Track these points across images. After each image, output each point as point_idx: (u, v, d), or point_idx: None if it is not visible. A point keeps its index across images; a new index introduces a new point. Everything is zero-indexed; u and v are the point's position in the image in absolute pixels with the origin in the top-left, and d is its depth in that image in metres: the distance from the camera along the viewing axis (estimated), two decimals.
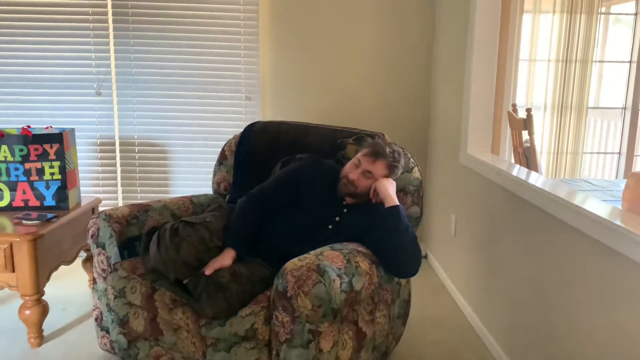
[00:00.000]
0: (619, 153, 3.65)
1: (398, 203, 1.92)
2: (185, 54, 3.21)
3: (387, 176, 2.00)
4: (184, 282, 1.76)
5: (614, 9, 4.86)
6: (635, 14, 3.48)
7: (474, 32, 2.54)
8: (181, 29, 3.18)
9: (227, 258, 1.80)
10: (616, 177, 3.66)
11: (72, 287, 2.85)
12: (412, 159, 2.22)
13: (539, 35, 3.44)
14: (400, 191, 2.12)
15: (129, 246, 2.05)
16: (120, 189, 3.32)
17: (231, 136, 2.62)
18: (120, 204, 3.33)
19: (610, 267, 1.45)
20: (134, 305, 1.89)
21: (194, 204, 2.35)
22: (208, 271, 1.73)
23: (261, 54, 3.25)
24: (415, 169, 2.21)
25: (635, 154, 3.62)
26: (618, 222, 1.41)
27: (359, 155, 2.04)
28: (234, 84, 3.26)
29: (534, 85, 3.45)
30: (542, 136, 3.41)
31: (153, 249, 1.80)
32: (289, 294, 1.57)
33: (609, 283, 1.46)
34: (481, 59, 2.57)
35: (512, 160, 3.01)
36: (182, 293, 1.77)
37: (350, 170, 2.00)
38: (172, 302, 1.79)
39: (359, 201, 2.03)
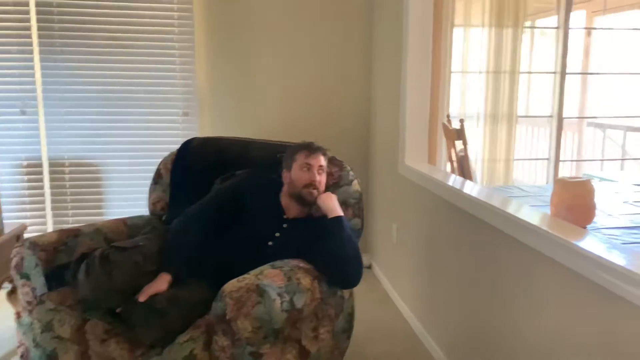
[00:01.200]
0: (548, 159, 3.83)
1: (341, 214, 1.92)
2: (118, 69, 3.09)
3: (326, 165, 2.04)
4: (117, 310, 1.67)
5: (539, 22, 5.14)
6: (557, 28, 3.68)
7: (408, 46, 2.61)
8: (114, 44, 3.07)
9: (162, 282, 1.73)
10: (547, 183, 3.84)
11: None
12: (351, 172, 2.23)
13: (470, 48, 3.58)
14: (341, 204, 2.12)
15: (57, 275, 1.92)
16: (50, 213, 3.14)
17: (167, 154, 2.54)
18: (50, 229, 3.15)
19: (543, 271, 1.51)
20: (63, 338, 1.77)
21: (129, 226, 2.25)
22: (142, 297, 1.65)
23: (198, 68, 3.19)
24: (355, 181, 2.22)
25: (561, 159, 3.81)
26: (546, 228, 1.47)
27: (299, 161, 2.00)
28: (170, 99, 3.17)
29: (466, 96, 3.57)
30: (476, 145, 3.53)
31: (82, 277, 1.71)
32: (228, 317, 1.52)
33: (544, 287, 1.51)
34: (415, 72, 2.63)
35: (448, 170, 3.09)
36: (115, 322, 1.68)
37: (308, 176, 1.97)
38: (105, 332, 1.69)
39: (302, 215, 2.01)
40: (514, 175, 3.65)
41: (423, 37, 2.62)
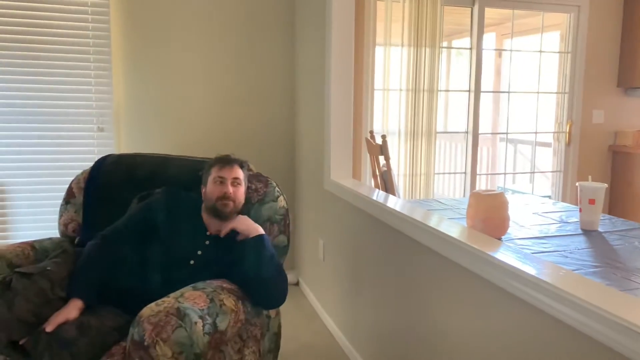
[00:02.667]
0: (465, 173, 4.02)
1: (262, 232, 1.89)
2: (27, 81, 2.89)
3: (245, 177, 2.01)
4: (21, 342, 1.53)
5: (455, 43, 5.43)
6: (471, 48, 3.90)
7: (331, 64, 2.64)
8: (22, 55, 2.86)
9: (72, 310, 1.61)
10: (463, 196, 4.01)
11: None
12: (277, 188, 2.21)
13: (391, 67, 3.69)
14: (266, 221, 2.09)
15: None
16: None
17: (80, 171, 2.39)
18: None
19: (458, 281, 1.55)
20: None
21: (36, 250, 2.08)
22: (49, 327, 1.53)
23: (114, 81, 3.05)
24: (281, 197, 2.20)
25: (477, 173, 4.01)
26: (463, 240, 1.52)
27: (214, 174, 1.97)
28: (85, 114, 3.01)
29: (388, 113, 3.68)
30: (398, 160, 3.64)
31: None
32: (146, 343, 1.44)
33: (458, 295, 1.56)
34: (339, 89, 2.67)
35: (372, 184, 3.15)
36: (18, 356, 1.54)
37: (220, 188, 1.93)
38: None
39: (222, 228, 1.96)
40: (434, 189, 3.79)
41: (345, 55, 2.67)
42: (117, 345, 1.59)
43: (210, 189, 1.96)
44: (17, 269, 1.66)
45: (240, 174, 1.99)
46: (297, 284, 3.43)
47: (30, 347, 1.51)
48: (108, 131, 3.05)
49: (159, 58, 3.13)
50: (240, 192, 1.98)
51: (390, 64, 3.68)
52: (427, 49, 3.67)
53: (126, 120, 3.12)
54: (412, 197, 3.67)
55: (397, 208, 1.99)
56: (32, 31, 2.88)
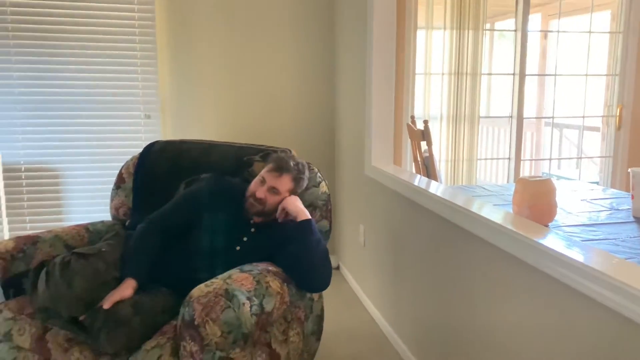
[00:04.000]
0: (509, 158, 3.94)
1: (310, 217, 1.92)
2: (78, 71, 3.00)
3: (293, 190, 1.99)
4: (80, 319, 1.62)
5: (498, 25, 5.28)
6: (515, 30, 3.79)
7: (372, 49, 2.63)
8: (72, 45, 2.97)
9: (127, 289, 1.68)
10: (507, 182, 3.94)
11: None
12: (319, 174, 2.23)
13: (433, 50, 3.63)
14: (308, 206, 2.12)
15: (15, 284, 1.85)
16: (5, 220, 3.02)
17: (129, 157, 2.48)
18: (7, 236, 3.03)
19: (507, 270, 1.54)
20: (23, 349, 1.71)
21: (90, 232, 2.19)
22: (106, 305, 1.61)
23: (160, 70, 3.13)
24: (323, 183, 2.22)
25: (522, 158, 3.92)
26: (509, 227, 1.50)
27: (263, 172, 2.00)
28: (132, 101, 3.10)
29: (430, 98, 3.63)
30: (440, 145, 3.59)
31: (42, 285, 1.65)
32: (196, 322, 1.49)
33: (509, 286, 1.54)
34: (380, 74, 2.66)
35: (413, 170, 3.14)
36: (78, 331, 1.63)
37: (256, 188, 1.96)
38: (67, 341, 1.64)
39: (268, 219, 1.99)
40: (476, 175, 3.73)
41: (387, 39, 2.65)
42: (168, 324, 1.66)
43: (253, 182, 2.00)
44: (75, 250, 1.75)
45: (285, 185, 1.96)
46: (337, 268, 3.46)
47: (89, 323, 1.59)
48: (154, 118, 3.13)
49: (203, 48, 3.19)
50: (274, 200, 1.96)
51: (432, 47, 3.63)
52: (470, 32, 3.59)
53: (171, 108, 3.20)
54: (454, 183, 3.63)
55: (439, 194, 1.98)
56: (83, 25, 2.97)
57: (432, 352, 2.08)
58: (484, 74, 3.67)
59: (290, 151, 2.32)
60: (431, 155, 2.85)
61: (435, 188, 2.11)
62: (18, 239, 1.95)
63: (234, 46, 3.22)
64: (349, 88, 3.10)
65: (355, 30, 2.93)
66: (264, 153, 2.30)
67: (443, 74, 3.61)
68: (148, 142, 2.53)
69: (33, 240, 1.97)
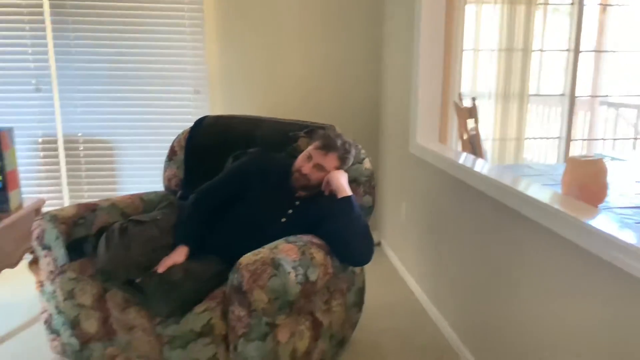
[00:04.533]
0: (559, 138, 3.82)
1: (351, 193, 1.95)
2: (130, 47, 3.11)
3: (338, 168, 2.02)
4: (136, 281, 1.72)
5: None
6: (572, 4, 3.63)
7: (420, 24, 2.59)
8: (124, 22, 3.08)
9: (179, 255, 1.78)
10: (557, 162, 3.83)
11: (18, 290, 2.74)
12: (362, 151, 2.25)
13: (482, 26, 3.54)
14: (352, 182, 2.15)
15: (76, 247, 1.98)
16: (66, 188, 3.20)
17: (180, 131, 2.57)
18: (67, 203, 3.21)
19: (552, 250, 1.53)
20: (85, 306, 1.84)
21: (144, 201, 2.30)
22: (160, 269, 1.71)
23: (208, 46, 3.19)
24: (367, 160, 2.24)
25: (572, 138, 3.80)
26: (557, 206, 1.49)
27: (310, 148, 2.04)
28: (182, 77, 3.19)
29: (478, 75, 3.56)
30: (488, 124, 3.53)
31: (102, 249, 1.76)
32: (244, 288, 1.57)
33: (552, 265, 1.54)
34: (427, 49, 2.63)
35: (459, 148, 3.10)
36: (134, 292, 1.74)
37: (302, 164, 2.01)
38: (124, 301, 1.75)
39: (311, 193, 2.04)
40: (524, 154, 3.65)
41: (435, 14, 2.61)
42: (218, 289, 1.74)
43: (299, 157, 2.05)
44: (132, 217, 1.85)
45: (331, 163, 1.99)
46: (379, 244, 3.50)
47: (144, 285, 1.69)
48: (203, 94, 3.22)
49: (250, 25, 3.22)
50: (319, 176, 2.00)
51: (482, 22, 3.54)
52: (522, 6, 3.47)
53: (220, 84, 3.27)
54: (501, 163, 3.57)
55: (485, 172, 1.97)
56: (136, 6, 3.06)
57: (472, 328, 2.10)
58: (535, 50, 3.56)
59: (334, 127, 2.35)
60: (478, 133, 2.81)
61: (481, 166, 2.09)
62: (79, 206, 2.08)
63: (281, 22, 3.25)
64: (395, 63, 3.07)
65: (403, 4, 2.89)
66: (309, 129, 2.33)
67: (492, 50, 3.52)
68: (197, 117, 2.62)
69: (92, 208, 2.10)
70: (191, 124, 2.56)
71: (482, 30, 3.52)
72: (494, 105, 3.55)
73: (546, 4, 5.02)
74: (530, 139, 4.63)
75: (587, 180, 1.79)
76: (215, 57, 3.23)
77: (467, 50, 3.54)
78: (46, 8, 3.00)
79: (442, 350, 2.24)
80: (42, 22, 3.01)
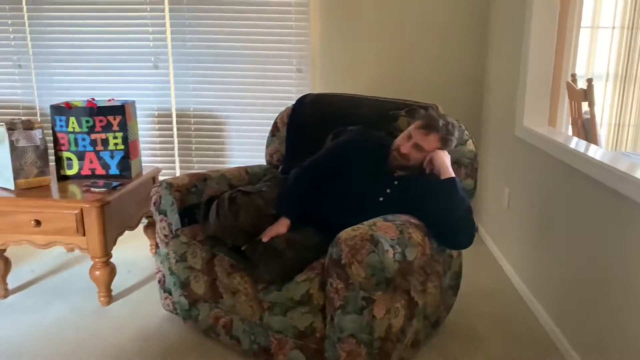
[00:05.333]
0: None
1: (454, 175, 1.92)
2: (237, 27, 3.25)
3: (440, 149, 1.99)
4: (242, 248, 1.84)
5: None
6: None
7: None
8: (233, 2, 3.21)
9: (282, 226, 1.86)
10: None
11: (135, 251, 3.02)
12: (466, 132, 2.19)
13: (603, 1, 3.26)
14: (454, 163, 2.10)
15: (189, 213, 2.15)
16: (177, 159, 3.45)
17: (283, 108, 2.66)
18: (178, 173, 3.47)
19: None
20: (195, 269, 2.00)
21: (249, 174, 2.43)
22: (265, 238, 1.80)
23: (312, 26, 3.25)
24: (470, 141, 2.19)
25: None
26: None
27: (411, 127, 2.02)
28: (285, 55, 3.28)
29: (595, 54, 3.30)
30: (603, 107, 3.27)
31: (212, 216, 1.89)
32: (343, 262, 1.61)
33: None
34: (540, 25, 2.48)
35: (571, 133, 2.92)
36: (240, 259, 1.86)
37: (402, 143, 1.99)
38: (230, 267, 1.88)
39: (410, 173, 2.03)
40: None
41: None
42: (317, 261, 1.81)
43: (400, 137, 2.03)
44: (240, 188, 1.97)
45: (432, 144, 1.95)
46: (476, 229, 3.40)
47: (250, 252, 1.80)
48: (305, 72, 3.29)
49: (352, 6, 3.23)
50: (418, 157, 1.97)
51: None
52: None
53: (321, 63, 3.33)
54: (616, 149, 3.31)
55: (599, 157, 1.84)
56: None
57: (576, 323, 2.00)
58: None
59: (436, 107, 2.30)
60: (593, 117, 2.63)
61: (594, 152, 1.96)
62: (191, 175, 2.25)
63: (381, 4, 3.21)
64: (503, 40, 2.93)
65: None
66: (410, 108, 2.31)
67: (614, 27, 3.24)
68: (299, 94, 2.69)
69: (203, 177, 2.25)
70: (293, 101, 2.64)
71: (603, 5, 3.25)
72: (612, 87, 3.28)
73: None
74: None
75: None
76: (317, 36, 3.28)
77: (585, 28, 3.29)
78: None
79: (539, 340, 2.17)
80: (162, 2, 3.23)
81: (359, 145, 2.13)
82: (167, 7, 3.24)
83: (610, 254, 1.75)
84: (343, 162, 2.09)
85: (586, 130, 2.68)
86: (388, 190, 2.01)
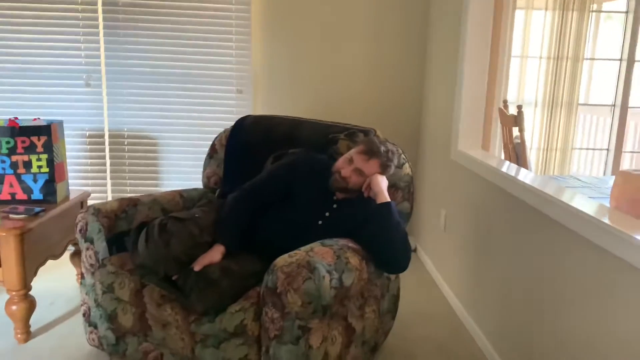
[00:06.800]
0: (607, 150, 3.68)
1: (389, 200, 1.93)
2: (176, 45, 3.17)
3: (379, 174, 2.00)
4: (174, 278, 1.75)
5: (606, 6, 4.87)
6: (627, 12, 3.49)
7: (467, 28, 2.54)
8: (172, 21, 3.14)
9: (216, 253, 1.79)
10: (604, 174, 3.69)
11: (60, 281, 2.83)
12: (403, 155, 2.22)
13: (531, 32, 3.45)
14: (391, 187, 2.12)
15: (117, 241, 2.03)
16: (109, 182, 3.29)
17: (222, 129, 2.60)
18: (110, 197, 3.30)
19: (599, 266, 1.47)
20: (123, 300, 1.88)
21: (184, 198, 2.34)
22: (197, 267, 1.72)
23: (253, 47, 3.22)
24: (407, 165, 2.21)
25: (623, 150, 3.65)
26: (606, 220, 1.42)
27: (352, 151, 2.02)
28: (226, 76, 3.23)
29: (525, 82, 3.46)
30: (532, 132, 3.43)
31: (142, 244, 1.79)
32: (279, 290, 1.56)
33: (598, 281, 1.47)
34: (474, 55, 2.57)
35: (502, 157, 3.03)
36: (171, 289, 1.76)
37: (343, 166, 1.99)
38: (160, 298, 1.78)
39: (350, 196, 2.02)
40: (570, 166, 3.53)
41: (483, 18, 2.55)
42: (253, 289, 1.74)
43: (340, 159, 2.03)
44: (172, 214, 1.88)
45: (372, 169, 1.96)
46: (415, 250, 3.45)
47: (181, 282, 1.72)
48: (246, 93, 3.25)
49: (294, 29, 3.24)
50: (358, 180, 1.98)
51: (531, 29, 3.44)
52: (575, 13, 3.36)
53: (262, 84, 3.30)
54: (545, 172, 3.47)
55: (529, 182, 1.90)
56: (184, 5, 3.12)
57: (510, 341, 2.04)
58: (586, 59, 3.44)
59: (374, 131, 2.32)
60: (523, 142, 2.74)
61: (525, 176, 2.03)
62: (122, 200, 2.13)
63: (326, 25, 3.25)
64: (440, 67, 3.02)
65: (449, 7, 2.84)
66: (350, 132, 2.32)
67: (541, 57, 3.42)
68: (239, 116, 2.64)
69: (134, 203, 2.14)
70: (233, 123, 2.59)
71: (531, 36, 3.43)
72: (541, 113, 3.45)
73: (599, 11, 4.84)
74: (577, 149, 4.47)
75: (639, 195, 1.71)
76: (259, 58, 3.26)
77: (515, 57, 3.45)
78: (100, 6, 3.09)
79: None
80: (96, 19, 3.10)
81: (300, 168, 2.11)
82: (100, 22, 3.11)
83: (544, 276, 1.80)
84: (284, 186, 2.06)
85: (517, 154, 2.79)
86: (327, 214, 2.00)
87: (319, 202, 2.02)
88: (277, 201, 2.02)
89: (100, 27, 3.12)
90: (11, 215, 2.22)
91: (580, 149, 4.75)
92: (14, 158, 2.39)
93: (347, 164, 1.99)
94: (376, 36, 3.28)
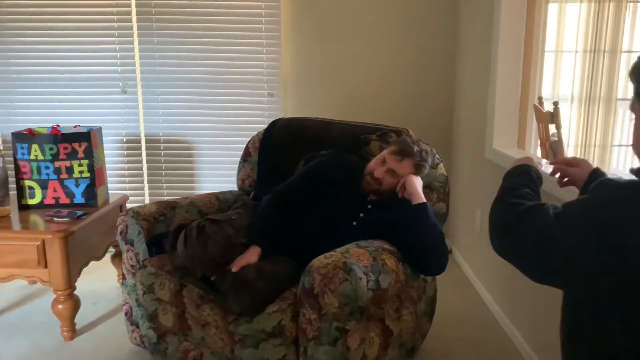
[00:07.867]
0: None
1: (425, 200, 1.91)
2: (208, 51, 3.23)
3: (413, 174, 1.98)
4: (211, 279, 1.78)
5: None
6: None
7: (500, 24, 2.50)
8: (204, 27, 3.20)
9: (252, 255, 1.81)
10: None
11: (102, 282, 2.91)
12: (437, 155, 2.20)
13: (566, 26, 3.36)
14: (425, 187, 2.10)
15: (156, 243, 2.08)
16: (146, 185, 3.37)
17: (254, 132, 2.63)
18: (147, 200, 3.38)
19: None
20: (163, 301, 1.92)
21: (220, 200, 2.37)
22: (234, 268, 1.75)
23: (283, 50, 3.25)
24: (441, 165, 2.19)
25: None
26: None
27: (385, 152, 2.01)
28: (257, 80, 3.27)
29: (560, 77, 3.37)
30: (569, 129, 3.34)
31: (180, 246, 1.83)
32: (315, 292, 1.57)
33: None
34: (507, 51, 2.53)
35: (539, 154, 2.96)
36: (209, 290, 1.79)
37: (375, 167, 1.99)
38: (199, 298, 1.81)
39: (383, 197, 2.02)
40: (609, 163, 3.42)
41: (516, 13, 2.50)
42: (289, 290, 1.76)
43: (372, 161, 2.02)
44: (209, 216, 1.91)
45: (405, 170, 1.95)
46: (450, 252, 3.40)
47: (219, 283, 1.74)
48: (277, 96, 3.28)
49: (323, 31, 3.25)
50: (391, 182, 1.97)
51: (566, 22, 3.35)
52: (611, 4, 3.26)
53: (293, 87, 3.32)
54: None
55: None
56: (216, 7, 3.18)
57: (547, 341, 1.99)
58: (624, 52, 3.33)
59: (407, 131, 2.31)
60: (560, 139, 2.67)
61: None
62: (160, 203, 2.18)
63: (356, 26, 3.25)
64: (472, 65, 2.98)
65: (481, 4, 2.80)
66: (381, 132, 2.31)
67: (577, 51, 3.33)
68: (271, 119, 2.67)
69: (172, 206, 2.19)
70: (265, 125, 2.61)
71: (565, 30, 3.34)
72: (577, 109, 3.36)
73: (637, 1, 4.69)
74: (617, 145, 4.33)
75: None
76: (289, 61, 3.29)
77: (549, 52, 3.37)
78: (134, 15, 3.18)
79: None
80: (130, 28, 3.19)
81: (332, 169, 2.11)
82: (135, 31, 3.20)
83: None
84: (316, 187, 2.07)
85: (554, 151, 2.72)
86: (361, 215, 1.99)
87: (353, 203, 2.02)
88: (310, 202, 2.03)
89: (135, 36, 3.20)
90: (55, 219, 2.30)
91: (620, 145, 4.61)
92: (57, 164, 2.47)
93: (380, 165, 1.98)
94: (406, 34, 3.26)
